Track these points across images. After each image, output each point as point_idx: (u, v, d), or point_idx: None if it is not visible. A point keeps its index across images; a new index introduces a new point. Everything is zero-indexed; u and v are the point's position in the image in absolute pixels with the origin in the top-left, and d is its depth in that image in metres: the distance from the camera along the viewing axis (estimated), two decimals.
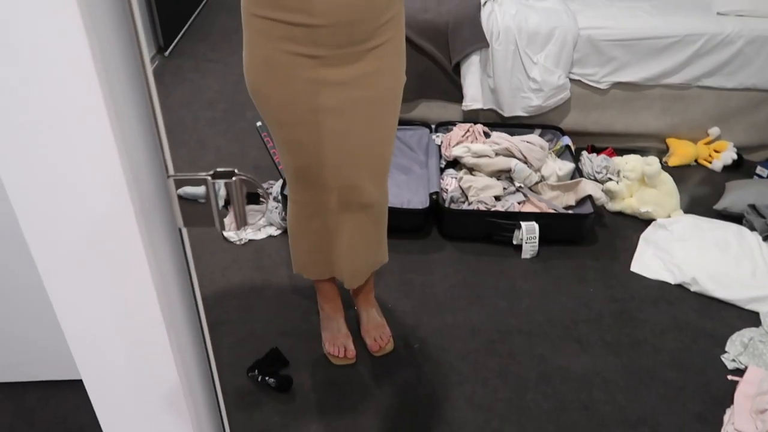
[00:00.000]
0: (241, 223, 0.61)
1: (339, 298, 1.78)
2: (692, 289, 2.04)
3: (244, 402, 1.63)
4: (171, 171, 0.59)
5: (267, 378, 1.67)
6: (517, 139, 2.47)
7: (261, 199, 2.21)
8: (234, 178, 0.59)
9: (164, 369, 0.62)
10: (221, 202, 0.61)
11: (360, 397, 1.65)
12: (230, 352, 1.79)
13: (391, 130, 1.45)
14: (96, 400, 0.63)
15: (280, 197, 2.35)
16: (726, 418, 1.57)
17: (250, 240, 2.30)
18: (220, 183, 0.59)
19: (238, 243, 2.28)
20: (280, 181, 2.41)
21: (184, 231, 0.64)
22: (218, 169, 0.60)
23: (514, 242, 2.21)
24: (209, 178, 0.59)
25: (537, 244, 2.18)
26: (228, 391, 1.66)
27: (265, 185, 2.60)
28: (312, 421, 1.58)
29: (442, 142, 2.63)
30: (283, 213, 2.34)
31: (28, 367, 1.64)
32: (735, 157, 2.68)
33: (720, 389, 1.67)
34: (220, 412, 0.80)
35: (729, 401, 1.62)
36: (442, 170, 2.52)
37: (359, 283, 1.68)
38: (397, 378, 1.70)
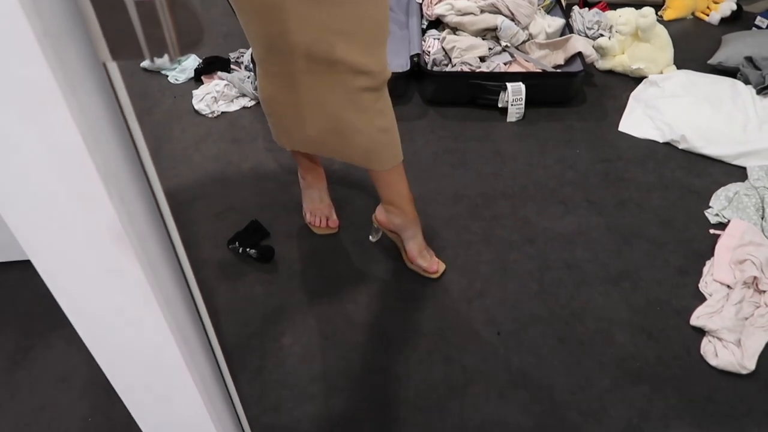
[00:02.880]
0: (175, 53, 0.52)
1: (320, 167, 1.71)
2: (681, 146, 1.99)
3: (226, 273, 1.62)
4: None
5: (248, 249, 1.65)
6: None
7: (231, 67, 2.05)
8: None
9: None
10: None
11: (344, 264, 1.64)
12: (209, 226, 1.76)
13: None
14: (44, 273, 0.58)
15: (251, 66, 2.20)
16: (705, 269, 1.59)
17: (222, 112, 2.18)
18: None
19: (210, 116, 2.17)
20: (251, 49, 2.24)
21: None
22: None
23: (500, 105, 2.12)
24: None
25: (523, 106, 2.09)
26: (210, 264, 1.65)
27: (235, 54, 2.43)
28: (296, 290, 1.58)
29: (423, 1, 2.43)
30: (255, 82, 2.21)
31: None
32: (734, 7, 2.52)
33: (702, 243, 1.68)
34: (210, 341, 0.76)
35: (710, 254, 1.63)
36: (423, 31, 2.36)
37: (368, 165, 1.41)
38: (379, 245, 1.69)
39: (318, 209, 1.73)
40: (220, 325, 1.50)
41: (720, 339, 1.40)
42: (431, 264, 1.59)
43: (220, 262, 1.65)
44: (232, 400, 0.95)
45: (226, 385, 0.91)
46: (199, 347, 0.77)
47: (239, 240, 1.68)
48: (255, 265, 1.64)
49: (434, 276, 1.59)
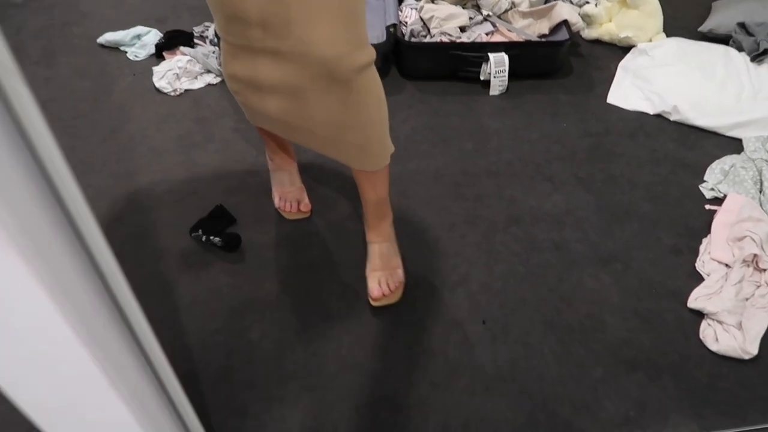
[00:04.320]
0: None
1: (291, 148, 1.57)
2: (672, 118, 1.89)
3: (188, 264, 1.49)
4: None
5: (212, 237, 1.52)
6: None
7: (195, 41, 1.86)
8: None
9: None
10: None
11: (317, 251, 1.52)
12: (171, 212, 1.62)
13: None
14: None
15: (216, 40, 2.05)
16: (702, 248, 1.49)
17: (186, 90, 2.04)
18: None
19: (172, 94, 2.02)
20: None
21: None
22: None
23: (482, 78, 2.00)
24: None
25: (506, 78, 1.97)
26: (170, 254, 1.52)
27: (199, 28, 2.27)
28: (265, 279, 1.46)
29: None
30: (220, 57, 2.06)
31: None
32: None
33: (697, 220, 1.58)
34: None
35: (706, 232, 1.54)
36: (400, 0, 2.22)
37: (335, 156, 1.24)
38: (355, 229, 1.57)
39: (288, 192, 1.60)
40: (181, 321, 1.37)
41: (720, 322, 1.30)
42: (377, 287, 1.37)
43: (182, 252, 1.53)
44: (180, 413, 0.83)
45: (170, 396, 0.79)
46: (126, 350, 0.65)
47: (203, 227, 1.55)
48: (220, 254, 1.52)
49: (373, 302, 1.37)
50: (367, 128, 1.16)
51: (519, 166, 1.76)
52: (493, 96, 2.00)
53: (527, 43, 2.04)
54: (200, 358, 1.31)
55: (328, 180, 1.70)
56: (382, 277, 1.37)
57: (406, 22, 2.12)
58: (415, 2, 2.19)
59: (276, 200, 1.61)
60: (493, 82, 1.97)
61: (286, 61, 1.07)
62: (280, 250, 1.52)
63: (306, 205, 1.60)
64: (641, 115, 1.93)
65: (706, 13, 2.30)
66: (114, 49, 2.22)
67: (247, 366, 1.29)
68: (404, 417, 1.20)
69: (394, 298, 1.38)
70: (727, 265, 1.43)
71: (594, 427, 1.18)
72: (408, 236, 1.53)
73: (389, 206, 1.38)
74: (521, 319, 1.36)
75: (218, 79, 2.06)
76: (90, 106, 1.98)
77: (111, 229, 1.58)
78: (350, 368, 1.28)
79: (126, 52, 2.19)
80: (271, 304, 1.40)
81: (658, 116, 1.92)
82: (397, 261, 1.41)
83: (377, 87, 1.14)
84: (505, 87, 2.00)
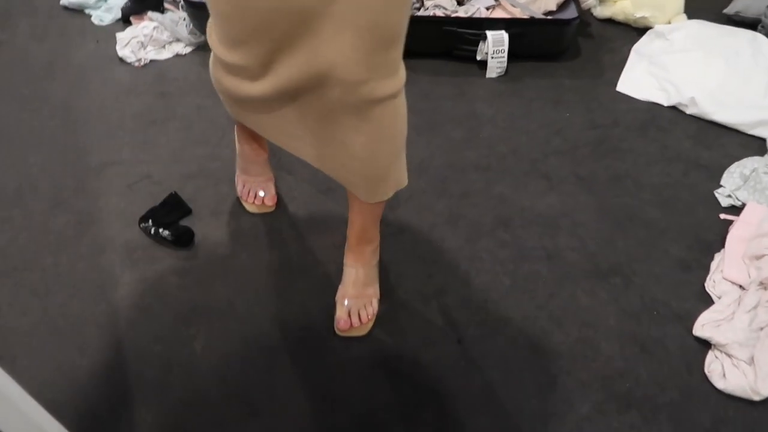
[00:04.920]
0: None
1: (264, 140, 1.37)
2: (688, 111, 1.69)
3: (133, 259, 1.33)
4: None
5: (161, 230, 1.35)
6: None
7: (165, 6, 1.60)
8: None
9: None
10: None
11: (278, 251, 1.35)
12: (120, 198, 1.46)
13: None
14: None
15: (185, 5, 1.85)
16: (714, 265, 1.32)
17: (151, 60, 1.85)
18: None
19: (136, 64, 1.83)
20: None
21: None
22: None
23: (478, 58, 1.80)
24: None
25: (505, 59, 1.77)
26: (114, 246, 1.36)
27: None
28: (217, 282, 1.29)
29: None
30: (191, 25, 1.87)
31: None
32: None
33: (710, 231, 1.40)
34: None
35: (720, 246, 1.36)
36: None
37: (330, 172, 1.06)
38: (323, 226, 1.40)
39: (254, 181, 1.42)
40: (119, 324, 1.22)
41: (729, 356, 1.13)
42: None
43: (127, 244, 1.36)
44: None
45: None
46: None
47: (153, 218, 1.39)
48: (169, 250, 1.35)
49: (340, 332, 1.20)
50: (378, 160, 0.98)
51: (512, 160, 1.57)
52: (490, 79, 1.81)
53: (531, 21, 1.83)
54: (134, 369, 1.15)
55: (301, 169, 1.52)
56: (354, 306, 1.19)
57: None
58: None
59: (239, 188, 1.44)
60: (491, 63, 1.77)
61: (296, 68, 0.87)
62: (236, 249, 1.36)
63: (271, 197, 1.42)
64: (654, 107, 1.73)
65: None
66: (78, 11, 2.03)
67: (187, 382, 1.13)
68: None
69: (362, 331, 1.20)
70: (741, 286, 1.25)
71: None
72: (381, 238, 1.36)
73: (377, 232, 1.20)
74: (502, 341, 1.20)
75: (188, 50, 1.88)
76: (45, 73, 1.81)
77: (51, 214, 1.42)
78: (303, 392, 1.12)
79: (90, 16, 2.00)
80: (220, 311, 1.24)
81: (673, 108, 1.72)
82: (374, 290, 1.23)
83: (399, 120, 0.94)
84: (504, 69, 1.80)
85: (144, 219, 1.39)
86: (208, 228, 1.40)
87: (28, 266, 1.32)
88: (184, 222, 1.40)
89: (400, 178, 1.05)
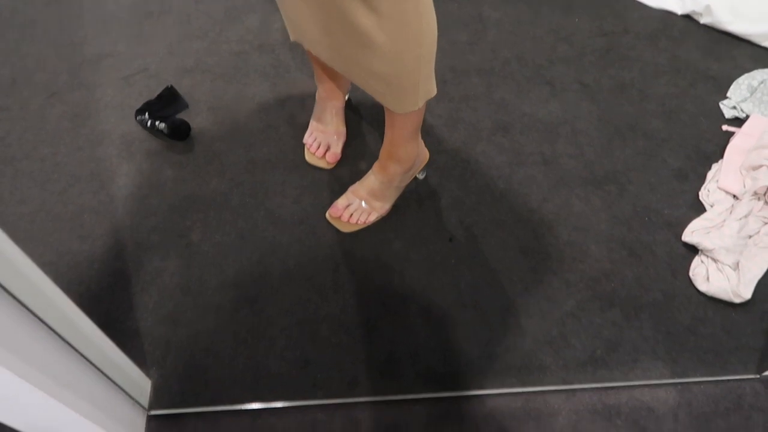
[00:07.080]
0: None
1: (341, 78, 1.29)
2: (702, 20, 1.63)
3: (129, 151, 1.33)
4: None
5: (158, 123, 1.35)
6: None
7: None
8: None
9: None
10: None
11: (274, 148, 1.35)
12: (115, 90, 1.44)
13: None
14: None
15: None
16: (710, 174, 1.31)
17: None
18: None
19: None
20: None
21: None
22: None
23: None
24: None
25: None
26: (111, 138, 1.36)
27: None
28: (213, 175, 1.30)
29: None
30: None
31: None
32: None
33: (710, 143, 1.39)
34: None
35: (718, 156, 1.35)
36: None
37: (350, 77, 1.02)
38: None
39: (322, 132, 1.34)
40: (117, 214, 1.24)
41: (715, 260, 1.15)
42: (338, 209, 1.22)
43: (124, 137, 1.36)
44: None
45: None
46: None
47: (149, 110, 1.38)
48: (166, 143, 1.35)
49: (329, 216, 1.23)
50: (403, 64, 0.92)
51: (516, 65, 1.53)
52: None
53: None
54: (132, 258, 1.18)
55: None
56: (354, 205, 1.20)
57: None
58: None
59: (307, 134, 1.36)
60: None
61: None
62: (232, 144, 1.36)
63: (333, 155, 1.32)
64: (667, 15, 1.67)
65: None
66: None
67: (184, 270, 1.17)
68: (349, 338, 1.09)
69: (346, 228, 1.21)
70: (735, 196, 1.26)
71: (555, 364, 1.07)
72: (375, 135, 1.35)
73: (408, 153, 1.16)
74: (493, 242, 1.22)
75: None
76: None
77: (47, 105, 1.41)
78: (295, 280, 1.15)
79: None
80: (216, 204, 1.26)
81: (687, 17, 1.66)
82: (382, 207, 1.22)
83: (423, 19, 0.87)
84: None
85: (140, 112, 1.38)
86: (204, 123, 1.39)
87: (27, 156, 1.33)
88: (181, 116, 1.39)
89: (429, 86, 1.00)
